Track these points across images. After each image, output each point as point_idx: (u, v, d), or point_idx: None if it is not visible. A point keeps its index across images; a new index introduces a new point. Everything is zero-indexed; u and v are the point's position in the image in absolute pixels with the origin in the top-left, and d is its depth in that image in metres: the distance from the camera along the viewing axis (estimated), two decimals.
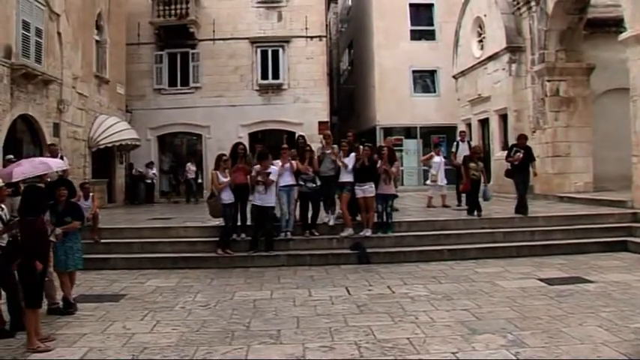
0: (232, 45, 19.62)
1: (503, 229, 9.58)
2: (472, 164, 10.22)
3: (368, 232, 9.24)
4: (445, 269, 7.98)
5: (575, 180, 13.64)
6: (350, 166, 9.18)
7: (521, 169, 10.11)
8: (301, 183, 9.24)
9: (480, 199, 10.33)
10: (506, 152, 15.13)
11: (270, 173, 8.73)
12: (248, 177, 8.98)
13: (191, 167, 18.05)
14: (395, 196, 9.78)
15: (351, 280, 7.47)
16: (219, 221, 9.07)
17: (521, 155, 9.97)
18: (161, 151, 20.17)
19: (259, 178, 8.65)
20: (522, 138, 10.39)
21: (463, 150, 12.27)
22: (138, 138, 17.32)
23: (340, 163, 9.22)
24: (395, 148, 12.49)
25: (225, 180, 8.77)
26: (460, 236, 9.38)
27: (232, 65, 19.56)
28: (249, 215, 9.20)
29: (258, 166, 8.81)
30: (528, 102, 14.71)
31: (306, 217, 9.40)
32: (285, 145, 9.42)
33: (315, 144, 11.80)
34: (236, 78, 19.58)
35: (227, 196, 8.78)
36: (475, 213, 10.18)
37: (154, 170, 18.47)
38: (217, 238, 8.99)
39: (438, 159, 12.12)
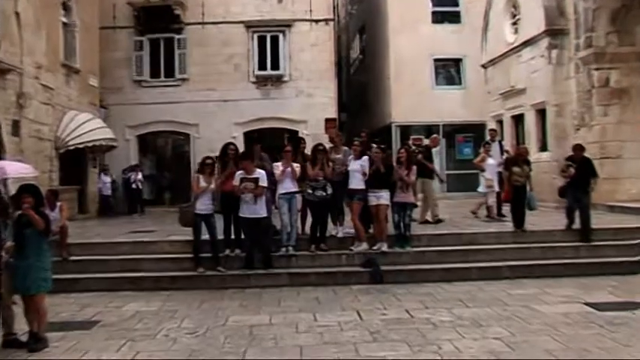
0: (225, 30, 19.76)
1: (541, 244, 9.58)
2: (516, 168, 10.07)
3: (384, 247, 9.28)
4: (473, 290, 7.97)
5: (629, 186, 13.58)
6: (367, 171, 9.25)
7: (576, 187, 9.66)
8: (309, 191, 9.28)
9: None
10: (546, 154, 15.44)
11: (257, 179, 8.72)
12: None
13: (137, 177, 18.13)
14: (414, 206, 9.80)
15: (363, 302, 7.48)
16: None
17: (573, 171, 9.65)
18: (142, 153, 20.30)
19: (243, 187, 8.67)
20: (578, 149, 9.96)
21: (494, 152, 12.27)
22: (114, 138, 17.39)
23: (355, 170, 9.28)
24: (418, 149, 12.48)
25: (204, 184, 8.82)
26: (491, 252, 9.37)
27: (225, 53, 19.69)
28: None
29: (241, 172, 8.83)
30: (571, 94, 14.69)
31: (315, 230, 9.45)
32: (288, 148, 9.42)
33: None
34: (229, 68, 19.71)
35: (203, 205, 8.84)
36: (519, 226, 9.95)
37: (140, 176, 18.49)
38: (208, 255, 9.04)
39: (492, 161, 11.94)
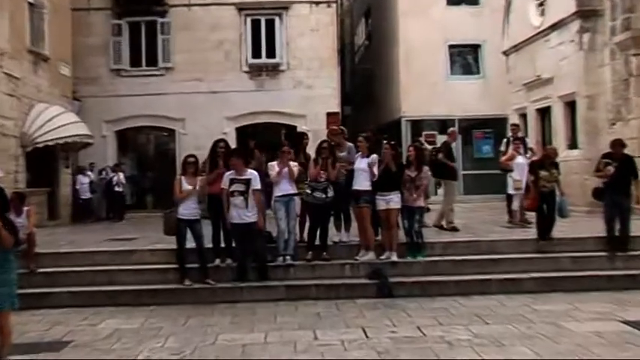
0: (214, 12, 19.83)
1: (571, 253, 9.58)
2: (543, 172, 9.93)
3: (393, 257, 9.30)
4: (493, 305, 7.97)
5: None
6: (375, 171, 9.28)
7: (616, 188, 9.53)
8: (307, 191, 9.31)
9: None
10: (576, 153, 15.44)
11: (249, 181, 8.74)
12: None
13: (120, 178, 18.19)
14: (425, 210, 9.80)
15: (369, 318, 7.49)
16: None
17: (613, 170, 9.53)
18: (121, 151, 20.37)
19: (232, 189, 8.71)
20: (617, 145, 9.83)
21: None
22: (90, 134, 17.40)
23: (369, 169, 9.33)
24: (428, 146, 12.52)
25: (189, 188, 8.83)
26: (513, 262, 9.39)
27: (214, 39, 19.76)
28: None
29: (230, 172, 8.86)
30: (606, 84, 14.67)
31: (313, 235, 9.49)
32: (285, 148, 9.41)
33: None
34: (219, 56, 19.78)
35: (187, 210, 8.84)
36: (544, 236, 9.84)
37: (122, 177, 18.50)
38: (195, 266, 9.05)
39: (521, 159, 11.73)
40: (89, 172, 18.35)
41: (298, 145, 10.23)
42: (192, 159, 9.08)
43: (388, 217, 9.29)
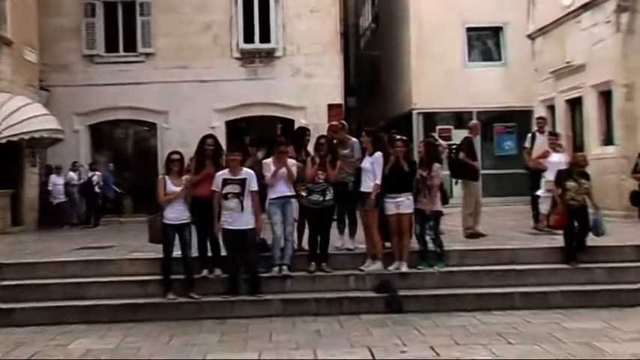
0: None
1: (606, 263, 9.57)
2: (571, 183, 9.76)
3: (403, 267, 9.29)
4: (517, 323, 7.97)
5: None
6: (378, 172, 9.27)
7: None
8: (303, 194, 9.32)
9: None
10: (611, 149, 15.40)
11: (244, 181, 8.76)
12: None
13: (98, 178, 18.26)
14: (439, 214, 9.77)
15: (377, 337, 7.48)
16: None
17: None
18: (95, 147, 20.39)
19: (226, 191, 8.72)
20: None
21: (542, 145, 12.26)
22: (59, 129, 17.40)
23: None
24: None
25: (175, 190, 8.82)
26: (539, 273, 9.41)
27: (201, 22, 19.77)
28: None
29: (223, 172, 8.86)
30: None
31: (314, 243, 9.50)
32: (282, 148, 9.36)
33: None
34: (207, 40, 19.79)
35: (174, 214, 8.84)
36: (572, 257, 9.68)
37: (100, 178, 18.52)
38: (180, 277, 9.05)
39: (556, 157, 11.56)
40: (72, 173, 18.38)
41: (299, 141, 10.23)
42: (176, 156, 9.07)
43: (399, 222, 9.29)
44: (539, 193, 11.78)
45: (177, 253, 9.00)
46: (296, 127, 16.16)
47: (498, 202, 18.49)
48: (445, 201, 10.20)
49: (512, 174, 18.28)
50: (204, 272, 9.30)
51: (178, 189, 8.84)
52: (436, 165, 9.65)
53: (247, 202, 8.80)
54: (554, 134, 12.42)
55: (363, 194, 9.43)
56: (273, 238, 9.28)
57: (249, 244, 8.95)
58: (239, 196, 8.76)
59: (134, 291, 9.20)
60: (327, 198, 9.28)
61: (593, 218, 9.76)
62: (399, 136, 10.02)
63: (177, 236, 8.89)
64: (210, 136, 9.85)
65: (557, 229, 10.29)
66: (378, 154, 9.37)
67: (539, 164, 11.83)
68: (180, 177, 8.97)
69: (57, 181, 17.94)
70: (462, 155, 11.38)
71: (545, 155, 11.82)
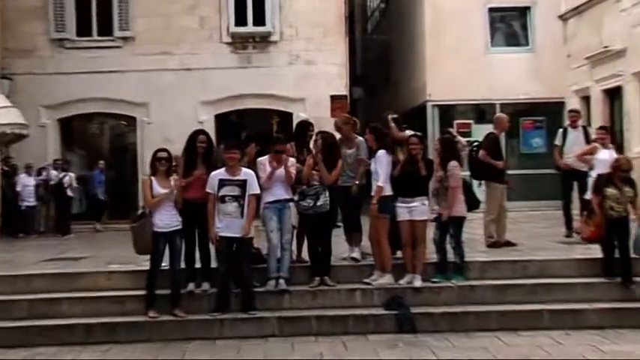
0: None
1: None
2: (611, 190, 9.55)
3: (417, 281, 9.29)
4: (546, 344, 7.96)
5: None
6: (380, 172, 9.28)
7: None
8: (294, 198, 9.39)
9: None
10: None
11: (244, 183, 8.79)
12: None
13: (69, 180, 18.20)
14: (460, 220, 9.79)
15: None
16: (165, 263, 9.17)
17: None
18: (66, 145, 20.38)
19: (223, 193, 8.75)
20: None
21: (575, 142, 12.26)
22: (24, 123, 17.31)
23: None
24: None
25: (163, 192, 8.83)
26: (571, 288, 9.40)
27: (186, 2, 19.76)
28: (213, 252, 9.29)
29: (218, 172, 8.87)
30: None
31: (315, 254, 9.52)
32: (279, 146, 9.35)
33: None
34: (192, 23, 19.77)
35: (164, 220, 8.84)
36: (609, 272, 9.55)
37: (73, 179, 18.46)
38: (164, 292, 9.01)
39: (606, 154, 11.26)
40: (54, 172, 18.40)
41: (301, 138, 10.25)
42: (163, 154, 9.04)
43: (412, 230, 9.31)
44: (587, 196, 11.49)
45: (164, 264, 9.01)
46: (294, 121, 16.21)
47: (525, 206, 18.45)
48: (474, 205, 10.19)
49: (541, 175, 18.19)
50: (191, 286, 9.29)
51: (166, 191, 8.83)
52: (452, 163, 9.58)
53: (247, 206, 8.86)
54: (603, 127, 12.34)
55: (371, 199, 9.45)
56: (268, 248, 9.29)
57: (245, 254, 9.00)
58: (238, 199, 8.80)
59: (111, 308, 9.20)
60: (318, 203, 9.25)
61: (636, 233, 9.52)
62: (412, 132, 10.04)
63: (167, 245, 8.91)
64: (202, 131, 9.89)
65: (592, 242, 10.11)
66: (380, 153, 9.39)
67: (586, 162, 11.72)
68: (168, 178, 8.96)
69: (27, 182, 17.89)
70: (482, 153, 11.38)
71: (592, 151, 11.66)
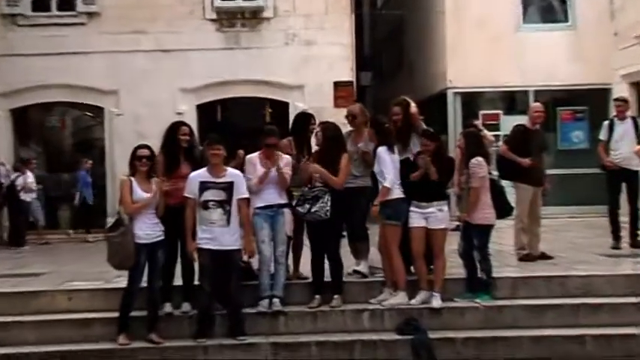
0: None
1: None
2: None
3: (436, 301, 9.31)
4: None
5: None
6: (385, 171, 9.31)
7: None
8: (291, 203, 9.44)
9: None
10: None
11: (230, 186, 8.80)
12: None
13: (27, 180, 18.16)
14: (486, 229, 9.82)
15: None
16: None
17: None
18: (19, 139, 20.35)
19: (206, 198, 8.77)
20: None
21: (623, 136, 12.28)
22: None
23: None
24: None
25: (146, 196, 8.83)
26: (619, 309, 9.40)
27: None
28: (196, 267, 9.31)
29: (198, 173, 8.88)
30: None
31: (318, 269, 9.55)
32: (271, 139, 9.39)
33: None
34: None
35: (144, 230, 8.83)
36: None
37: (31, 178, 18.41)
38: (138, 314, 9.04)
39: None
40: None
41: (300, 132, 10.27)
42: (145, 152, 8.96)
43: (432, 239, 9.33)
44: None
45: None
46: (291, 112, 16.24)
47: (564, 212, 18.47)
48: (505, 211, 10.22)
49: (582, 175, 18.22)
50: (167, 307, 9.32)
51: (148, 195, 8.81)
52: (473, 160, 9.57)
53: (234, 212, 8.87)
54: None
55: (383, 203, 9.45)
56: (259, 261, 9.32)
57: (232, 269, 9.00)
58: (224, 204, 8.81)
59: (73, 333, 9.22)
60: (313, 209, 9.25)
61: None
62: (424, 127, 10.00)
63: (148, 259, 8.90)
64: (184, 123, 9.93)
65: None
66: (380, 150, 9.39)
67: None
68: (150, 179, 8.94)
69: None
70: (502, 148, 11.40)
71: None
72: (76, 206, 19.28)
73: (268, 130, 9.85)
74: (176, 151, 9.32)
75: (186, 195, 8.86)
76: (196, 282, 9.29)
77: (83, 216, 19.27)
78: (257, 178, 9.20)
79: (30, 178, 18.28)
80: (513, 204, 10.86)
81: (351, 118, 10.24)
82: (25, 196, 18.09)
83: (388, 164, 9.30)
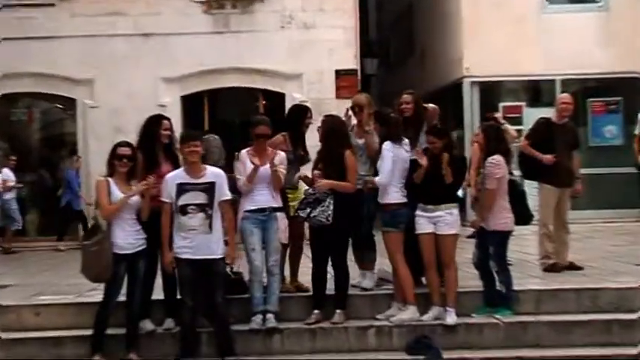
0: None
1: None
2: None
3: (450, 317, 9.30)
4: None
5: None
6: (381, 169, 9.34)
7: None
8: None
9: None
10: None
11: (211, 187, 8.75)
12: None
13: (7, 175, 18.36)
14: (503, 235, 9.79)
15: None
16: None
17: None
18: None
19: (184, 202, 8.73)
20: None
21: None
22: None
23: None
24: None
25: (133, 196, 8.81)
26: None
27: None
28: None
29: (175, 174, 8.85)
30: None
31: (319, 281, 9.56)
32: (260, 129, 9.43)
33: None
34: None
35: (126, 239, 8.83)
36: None
37: (11, 175, 18.66)
38: (116, 332, 9.04)
39: None
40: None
41: (296, 126, 10.27)
42: (126, 150, 8.91)
43: (439, 248, 9.33)
44: None
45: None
46: (288, 103, 16.22)
47: (595, 217, 18.46)
48: (525, 218, 10.22)
49: (615, 175, 18.21)
50: (148, 324, 9.31)
51: (131, 194, 8.76)
52: (490, 159, 9.52)
53: (217, 218, 8.81)
54: None
55: (381, 208, 9.52)
56: (250, 272, 9.34)
57: (218, 281, 8.94)
58: (205, 208, 8.72)
59: (43, 353, 9.21)
60: (313, 214, 9.23)
61: None
62: (435, 121, 10.02)
63: (127, 270, 8.88)
64: (164, 116, 9.94)
65: None
66: (385, 145, 9.39)
67: None
68: (129, 181, 8.91)
69: None
70: (523, 143, 11.35)
71: None
72: (60, 210, 19.18)
73: (257, 119, 9.85)
74: (156, 148, 9.31)
75: (163, 199, 8.78)
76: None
77: (62, 223, 19.22)
78: (246, 176, 9.20)
79: (8, 175, 18.54)
80: (537, 208, 10.86)
81: (357, 109, 10.17)
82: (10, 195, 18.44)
83: (387, 161, 9.29)
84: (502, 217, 9.59)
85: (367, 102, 10.28)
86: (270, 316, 9.25)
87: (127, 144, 9.03)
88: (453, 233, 9.35)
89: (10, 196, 18.40)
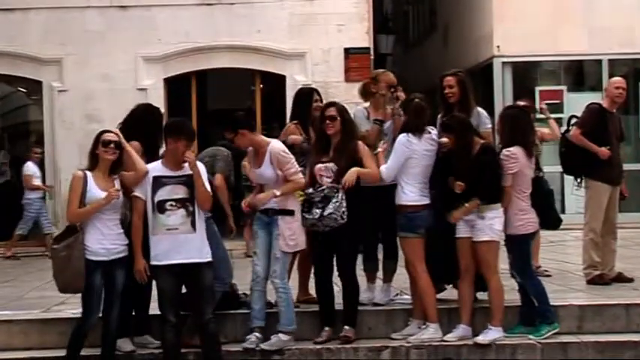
0: None
1: None
2: None
3: (490, 334, 9.28)
4: None
5: None
6: (389, 165, 9.36)
7: None
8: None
9: None
10: None
11: (189, 180, 8.74)
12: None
13: None
14: (524, 240, 9.75)
15: None
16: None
17: None
18: None
19: (162, 198, 8.77)
20: None
21: None
22: None
23: None
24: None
25: (103, 195, 8.83)
26: None
27: None
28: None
29: (155, 165, 8.87)
30: None
31: (324, 295, 9.59)
32: (228, 133, 9.51)
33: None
34: None
35: (103, 243, 8.75)
36: None
37: None
38: (92, 354, 9.04)
39: None
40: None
41: (303, 112, 10.35)
42: (111, 136, 8.77)
43: (476, 254, 9.33)
44: None
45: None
46: (289, 87, 16.29)
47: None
48: (552, 222, 10.26)
49: None
50: (126, 344, 9.32)
51: (113, 193, 8.60)
52: (505, 152, 9.39)
53: (200, 215, 8.80)
54: None
55: (398, 208, 9.50)
56: (252, 290, 9.40)
57: (204, 290, 8.92)
58: (186, 204, 8.70)
59: None
60: (326, 213, 9.18)
61: None
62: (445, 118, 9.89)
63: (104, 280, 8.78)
64: (149, 106, 10.18)
65: None
66: (399, 137, 9.39)
67: None
68: (112, 175, 8.79)
69: None
70: (574, 132, 11.29)
71: None
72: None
73: (232, 118, 9.76)
74: (158, 136, 9.25)
75: (136, 194, 8.73)
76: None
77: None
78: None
79: (33, 171, 18.70)
80: (581, 209, 10.87)
81: (365, 92, 10.32)
82: None
83: (396, 155, 9.31)
84: (521, 219, 9.51)
85: (386, 80, 10.28)
86: (280, 336, 9.20)
87: (107, 132, 8.82)
88: (485, 240, 9.24)
89: (35, 195, 18.56)
